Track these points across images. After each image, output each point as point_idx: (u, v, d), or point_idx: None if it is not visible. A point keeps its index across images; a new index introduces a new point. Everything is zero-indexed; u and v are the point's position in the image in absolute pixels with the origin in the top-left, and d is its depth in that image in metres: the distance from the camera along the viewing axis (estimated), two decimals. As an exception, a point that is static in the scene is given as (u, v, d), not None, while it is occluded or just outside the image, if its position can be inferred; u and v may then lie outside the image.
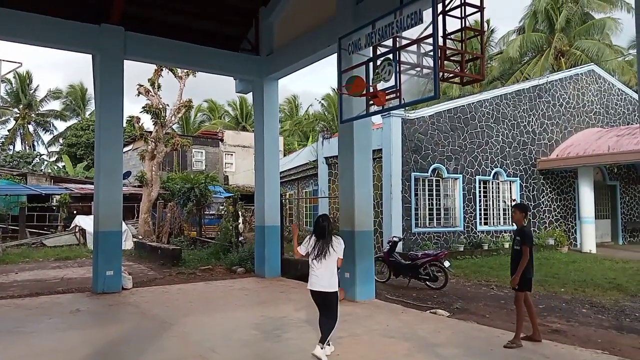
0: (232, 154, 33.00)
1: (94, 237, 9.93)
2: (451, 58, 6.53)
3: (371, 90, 6.61)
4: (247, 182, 31.04)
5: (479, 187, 16.71)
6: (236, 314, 7.56)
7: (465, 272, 12.06)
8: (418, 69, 6.50)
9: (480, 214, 16.64)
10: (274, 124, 11.82)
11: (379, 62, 6.64)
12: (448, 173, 15.96)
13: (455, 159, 16.09)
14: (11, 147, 40.33)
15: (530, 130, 17.84)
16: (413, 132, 15.28)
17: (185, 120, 38.69)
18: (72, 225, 21.42)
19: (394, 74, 6.33)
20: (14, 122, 40.91)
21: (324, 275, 5.18)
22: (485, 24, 10.17)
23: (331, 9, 9.26)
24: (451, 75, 6.52)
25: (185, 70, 19.93)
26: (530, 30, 30.31)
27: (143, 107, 20.40)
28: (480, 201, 16.66)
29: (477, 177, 16.62)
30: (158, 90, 20.46)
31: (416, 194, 15.34)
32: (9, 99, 38.70)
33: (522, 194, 17.56)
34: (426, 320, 7.19)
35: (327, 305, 5.26)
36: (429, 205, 15.70)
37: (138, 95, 20.13)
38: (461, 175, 16.23)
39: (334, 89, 37.80)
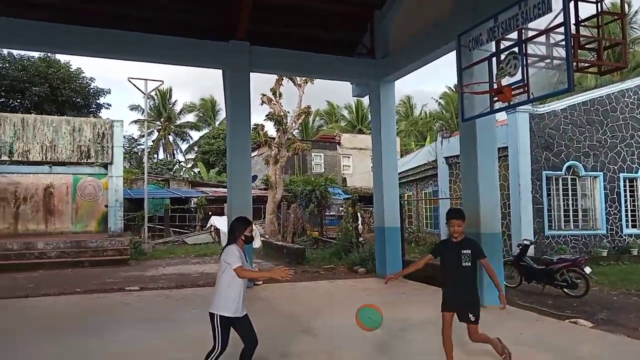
0: (349, 157, 33.59)
1: (228, 236, 10.77)
2: (586, 46, 6.00)
3: (495, 86, 6.33)
4: (364, 183, 31.37)
5: (624, 186, 14.99)
6: (360, 313, 7.70)
7: (610, 280, 10.89)
8: (547, 60, 6.08)
9: (626, 216, 14.91)
10: (391, 126, 11.84)
11: (503, 57, 6.35)
12: (586, 171, 14.56)
13: (593, 156, 14.63)
14: (155, 155, 45.50)
15: (686, 119, 15.57)
16: (543, 128, 14.21)
17: (305, 126, 40.29)
18: (208, 225, 23.52)
19: (520, 67, 6.02)
20: (157, 133, 46.05)
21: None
22: (626, 6, 9.13)
23: (448, 7, 9.02)
24: (587, 64, 6.01)
25: (304, 79, 20.80)
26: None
27: (266, 115, 21.74)
28: (626, 201, 14.94)
29: (622, 175, 14.94)
30: (279, 99, 21.62)
31: (549, 194, 14.24)
32: (152, 114, 43.70)
33: (678, 193, 15.36)
34: (566, 330, 6.66)
35: None
36: (564, 206, 14.47)
37: (262, 104, 21.49)
38: (602, 173, 14.72)
39: (451, 87, 36.54)
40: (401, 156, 27.05)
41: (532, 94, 6.05)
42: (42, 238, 17.19)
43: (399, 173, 15.33)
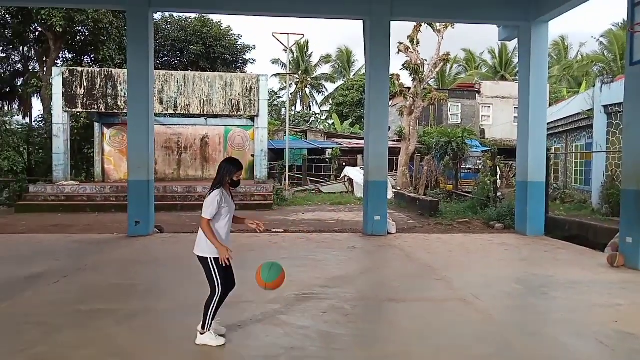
0: (489, 106, 31.61)
1: (365, 186, 11.17)
2: None
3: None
4: (504, 135, 29.45)
5: None
6: (497, 267, 7.59)
7: None
8: None
9: None
10: (542, 72, 10.86)
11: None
12: None
13: None
14: (293, 107, 47.70)
15: None
16: None
17: (441, 74, 38.61)
18: (342, 175, 24.42)
19: None
20: (295, 86, 48.04)
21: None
22: None
23: None
24: None
25: (444, 24, 19.78)
26: None
27: (403, 64, 21.30)
28: None
29: None
30: (417, 47, 20.97)
31: None
32: (291, 67, 45.51)
33: None
34: None
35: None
36: None
37: (398, 53, 21.07)
38: None
39: (618, 24, 31.71)
40: (550, 105, 24.67)
41: None
42: (200, 183, 19.52)
43: (547, 123, 14.14)
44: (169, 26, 30.00)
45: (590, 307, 5.42)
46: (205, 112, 19.73)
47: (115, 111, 19.64)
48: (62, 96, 18.63)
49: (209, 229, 4.04)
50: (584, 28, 64.64)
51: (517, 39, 11.35)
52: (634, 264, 7.33)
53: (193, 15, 29.39)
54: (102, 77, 18.94)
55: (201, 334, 4.13)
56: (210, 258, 4.07)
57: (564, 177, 20.00)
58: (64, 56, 25.41)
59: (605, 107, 16.01)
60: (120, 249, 8.84)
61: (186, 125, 22.69)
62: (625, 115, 7.99)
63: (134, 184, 10.28)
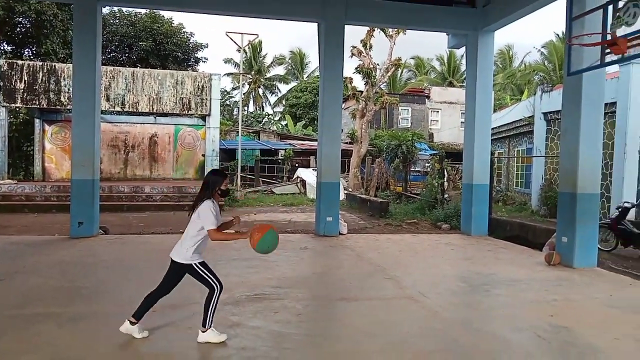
0: (437, 111, 32.61)
1: (317, 187, 11.26)
2: None
3: (609, 37, 5.88)
4: (452, 139, 30.45)
5: None
6: (443, 266, 7.86)
7: None
8: (674, 6, 5.51)
9: None
10: (487, 80, 11.35)
11: (621, 4, 5.82)
12: None
13: None
14: (246, 108, 47.19)
15: None
16: (659, 82, 12.84)
17: (393, 79, 39.42)
18: (295, 177, 24.44)
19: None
20: (248, 86, 47.57)
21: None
22: None
23: (560, -53, 8.30)
24: None
25: (396, 29, 20.23)
26: None
27: (356, 68, 21.57)
28: None
29: None
30: (369, 51, 21.31)
31: (659, 155, 13.04)
32: (244, 67, 45.05)
33: None
34: (664, 297, 6.35)
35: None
36: (675, 169, 13.19)
37: (351, 57, 21.34)
38: None
39: (558, 35, 33.59)
40: (494, 111, 25.78)
41: (650, 45, 5.56)
42: (147, 183, 18.99)
43: (492, 129, 14.78)
44: (117, 21, 28.96)
45: (528, 303, 5.73)
46: (154, 111, 19.21)
47: (58, 107, 18.75)
48: (0, 90, 17.59)
49: (221, 236, 4.12)
50: (528, 39, 67.97)
51: (465, 47, 11.82)
52: (569, 262, 7.80)
53: (143, 11, 28.54)
54: (45, 71, 18.05)
55: (203, 332, 4.17)
56: (194, 264, 4.13)
57: (507, 180, 20.97)
58: (2, 48, 24.01)
59: (544, 114, 16.94)
60: (62, 251, 8.46)
61: (134, 123, 21.98)
62: (562, 122, 8.49)
63: (77, 183, 9.86)
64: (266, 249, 4.17)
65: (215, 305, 4.17)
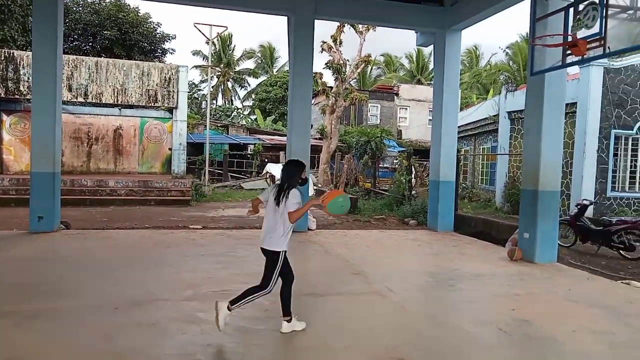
0: (406, 108, 33.01)
1: (286, 182, 11.17)
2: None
3: (570, 39, 6.06)
4: (419, 136, 30.90)
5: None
6: (410, 262, 7.98)
7: (673, 246, 10.51)
8: (631, 11, 5.72)
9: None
10: (454, 78, 11.55)
11: (581, 7, 6.01)
12: (660, 131, 13.70)
13: (671, 115, 13.69)
14: (214, 101, 46.52)
15: None
16: (618, 84, 13.38)
17: (362, 75, 39.63)
18: (264, 172, 24.30)
19: (598, 19, 5.70)
20: (217, 79, 46.86)
21: (264, 228, 4.41)
22: None
23: (526, -50, 8.49)
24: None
25: (366, 26, 20.32)
26: None
27: (326, 64, 21.58)
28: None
29: (699, 137, 13.94)
30: (340, 47, 21.35)
31: (615, 154, 13.60)
32: (213, 59, 44.36)
33: None
34: (617, 289, 6.63)
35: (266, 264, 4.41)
36: (630, 167, 13.79)
37: (321, 52, 21.34)
38: (677, 134, 13.79)
39: (523, 36, 34.45)
40: (461, 109, 26.28)
41: (608, 47, 5.75)
42: (112, 177, 18.48)
43: (458, 127, 15.06)
44: (80, 9, 27.99)
45: (491, 297, 5.89)
46: (119, 102, 18.66)
47: (17, 97, 17.97)
48: (-47, 78, 16.75)
49: (299, 213, 4.27)
50: (494, 39, 69.46)
51: (432, 45, 11.98)
52: (531, 258, 8.05)
53: (107, -1, 27.71)
54: (2, 59, 17.27)
55: (288, 322, 4.40)
56: (281, 252, 4.31)
57: (472, 177, 21.45)
58: (-45, 33, 22.80)
59: (509, 113, 17.38)
60: (21, 246, 8.15)
61: (98, 115, 21.30)
62: (525, 121, 8.72)
63: (37, 176, 9.50)
64: (336, 210, 4.47)
65: (253, 297, 4.33)
